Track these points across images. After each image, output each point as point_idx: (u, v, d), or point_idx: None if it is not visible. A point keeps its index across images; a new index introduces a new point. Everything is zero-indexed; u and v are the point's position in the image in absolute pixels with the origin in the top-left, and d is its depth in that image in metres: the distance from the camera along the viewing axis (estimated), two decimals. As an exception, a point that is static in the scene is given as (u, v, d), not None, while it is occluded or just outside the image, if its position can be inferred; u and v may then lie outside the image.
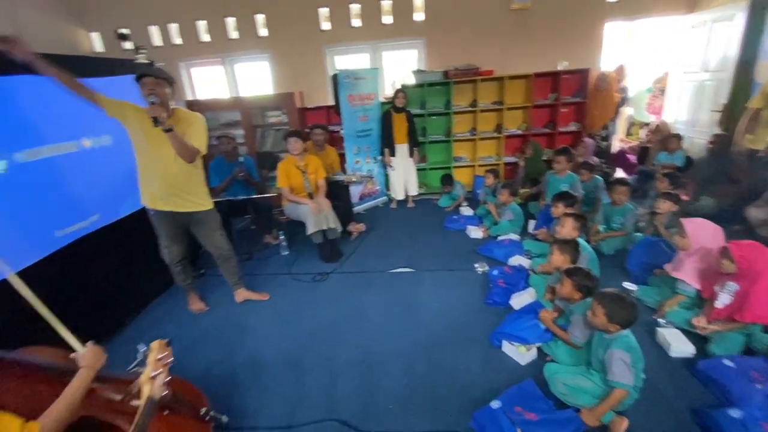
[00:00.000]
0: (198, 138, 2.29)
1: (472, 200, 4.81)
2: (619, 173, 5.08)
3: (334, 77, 4.42)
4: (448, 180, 4.88)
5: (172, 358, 1.14)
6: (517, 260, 3.15)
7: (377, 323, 2.56)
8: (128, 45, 5.24)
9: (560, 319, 2.23)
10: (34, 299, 1.27)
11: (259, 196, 3.84)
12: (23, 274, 1.25)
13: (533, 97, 4.93)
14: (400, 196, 4.85)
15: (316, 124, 4.19)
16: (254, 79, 5.62)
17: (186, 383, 1.62)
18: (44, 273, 2.13)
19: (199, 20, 5.20)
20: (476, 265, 3.15)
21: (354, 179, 4.39)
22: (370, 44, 5.19)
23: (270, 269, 3.47)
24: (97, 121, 2.39)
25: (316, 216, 3.32)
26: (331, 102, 4.95)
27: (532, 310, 2.36)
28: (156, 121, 2.03)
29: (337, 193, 3.88)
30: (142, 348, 1.15)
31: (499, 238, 3.62)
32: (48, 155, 2.25)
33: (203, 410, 1.52)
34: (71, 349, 1.28)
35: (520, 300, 2.60)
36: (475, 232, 3.81)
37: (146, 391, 1.03)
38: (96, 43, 5.43)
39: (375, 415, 1.85)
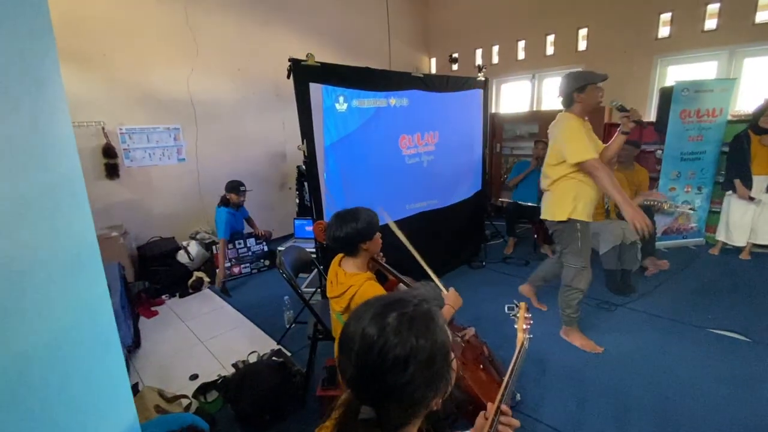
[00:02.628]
0: None
1: None
2: None
3: (665, 90, 3.82)
4: None
5: (533, 322, 1.33)
6: None
7: (688, 383, 2.09)
8: (455, 66, 6.34)
9: None
10: (410, 245, 1.76)
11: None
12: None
13: None
14: (739, 242, 3.68)
15: (628, 140, 3.76)
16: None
17: (491, 350, 1.86)
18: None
19: (520, 40, 5.65)
20: None
21: (665, 207, 3.68)
22: (727, 49, 4.15)
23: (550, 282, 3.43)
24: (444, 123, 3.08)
25: (615, 233, 3.00)
26: (651, 117, 4.32)
27: None
28: (640, 123, 2.20)
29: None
30: (515, 302, 1.39)
31: None
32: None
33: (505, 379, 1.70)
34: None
35: None
36: None
37: (521, 337, 1.25)
38: (433, 65, 6.85)
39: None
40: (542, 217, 2.39)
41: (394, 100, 2.84)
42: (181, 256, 3.86)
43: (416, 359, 0.64)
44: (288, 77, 2.22)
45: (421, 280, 1.76)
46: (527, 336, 1.25)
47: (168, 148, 4.03)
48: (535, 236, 4.04)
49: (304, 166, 3.00)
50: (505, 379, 1.05)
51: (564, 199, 2.22)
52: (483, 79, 3.71)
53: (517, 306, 1.35)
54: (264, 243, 4.07)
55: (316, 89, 2.33)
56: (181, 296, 3.57)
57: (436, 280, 1.69)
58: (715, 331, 2.55)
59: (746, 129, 3.46)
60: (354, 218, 1.51)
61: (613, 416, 1.88)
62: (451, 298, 1.60)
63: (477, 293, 3.24)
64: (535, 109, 5.73)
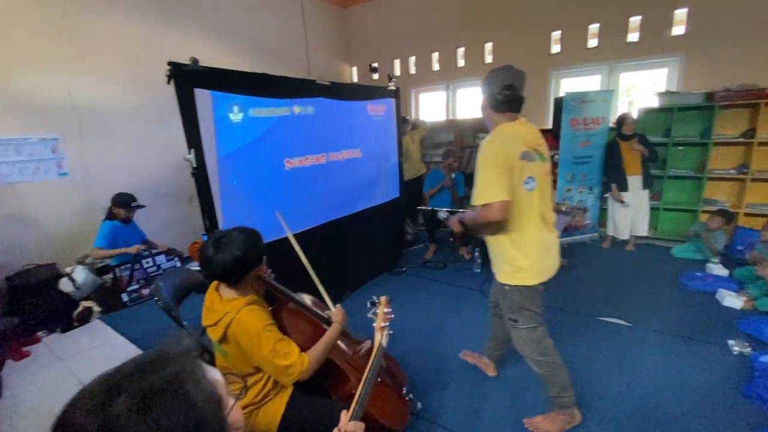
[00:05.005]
0: None
1: (728, 257, 3.67)
2: None
3: (558, 100, 4.20)
4: (727, 217, 3.74)
5: (393, 315, 1.30)
6: (808, 352, 2.21)
7: (578, 368, 2.25)
8: (375, 76, 6.43)
9: None
10: (305, 259, 1.69)
11: (458, 210, 4.03)
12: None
13: None
14: (623, 236, 4.15)
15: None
16: (471, 103, 5.94)
17: (394, 359, 1.83)
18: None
19: (434, 52, 5.88)
20: (731, 342, 2.38)
21: (563, 208, 4.02)
22: (607, 65, 4.70)
23: (461, 282, 3.56)
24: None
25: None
26: (548, 125, 4.72)
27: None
28: None
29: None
30: (374, 298, 1.35)
31: (776, 315, 2.64)
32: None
33: (405, 389, 1.68)
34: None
35: (811, 409, 1.82)
36: (732, 300, 2.88)
37: (378, 337, 1.21)
38: (354, 74, 6.88)
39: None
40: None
41: (299, 108, 2.75)
42: (65, 285, 3.36)
43: None
44: (168, 83, 2.02)
45: (317, 294, 1.68)
46: (386, 333, 1.22)
47: (44, 161, 3.50)
48: (451, 239, 4.18)
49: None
50: (359, 386, 1.01)
51: None
52: (394, 88, 3.77)
53: (377, 302, 1.32)
54: (176, 259, 3.71)
55: (203, 96, 2.15)
56: (63, 331, 3.10)
57: (325, 296, 1.64)
58: (602, 318, 2.81)
59: (615, 137, 3.94)
60: (232, 244, 1.32)
61: (513, 415, 1.95)
62: (338, 315, 1.55)
63: (396, 300, 3.23)
64: (451, 117, 6.00)
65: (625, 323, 2.74)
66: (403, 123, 4.76)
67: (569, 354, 2.40)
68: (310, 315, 1.63)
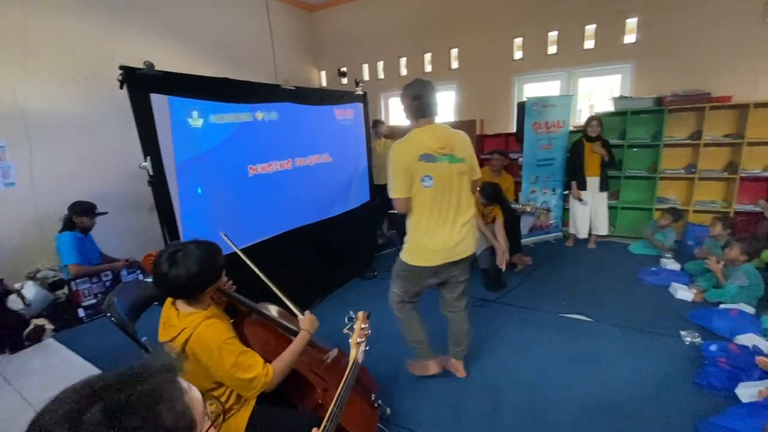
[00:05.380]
0: None
1: (680, 252, 3.90)
2: None
3: (521, 105, 4.34)
4: (676, 214, 3.97)
5: (370, 331, 1.30)
6: (749, 339, 2.38)
7: (545, 365, 2.33)
8: (344, 80, 6.42)
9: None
10: (262, 274, 1.65)
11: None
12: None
13: (797, 130, 3.71)
14: (583, 234, 4.33)
15: (497, 150, 4.19)
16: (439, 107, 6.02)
17: (363, 367, 1.82)
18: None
19: (402, 57, 5.94)
20: (683, 333, 2.52)
21: (528, 209, 4.16)
22: (566, 71, 4.90)
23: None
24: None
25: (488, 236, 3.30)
26: (512, 129, 4.87)
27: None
28: None
29: (507, 221, 3.75)
30: (351, 314, 1.34)
31: (723, 306, 2.81)
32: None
33: (374, 396, 1.67)
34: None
35: (751, 392, 1.95)
36: (684, 293, 3.06)
37: (353, 353, 1.20)
38: (323, 78, 6.84)
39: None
40: (471, 252, 2.03)
41: (262, 113, 2.70)
42: (13, 302, 3.13)
43: None
44: (121, 87, 1.94)
45: (280, 304, 1.65)
46: (362, 349, 1.22)
47: (-13, 171, 3.27)
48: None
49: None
50: (332, 403, 1.01)
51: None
52: (361, 93, 3.77)
53: (354, 317, 1.32)
54: (138, 271, 3.54)
55: (160, 101, 2.08)
56: (12, 351, 2.89)
57: (290, 304, 1.60)
58: (565, 315, 2.91)
59: (581, 137, 4.11)
60: (188, 259, 1.25)
61: (487, 414, 1.99)
62: (306, 322, 1.52)
63: (368, 305, 3.22)
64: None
65: (587, 319, 2.85)
66: (375, 126, 4.78)
67: (536, 351, 2.48)
68: (275, 325, 1.59)
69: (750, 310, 2.75)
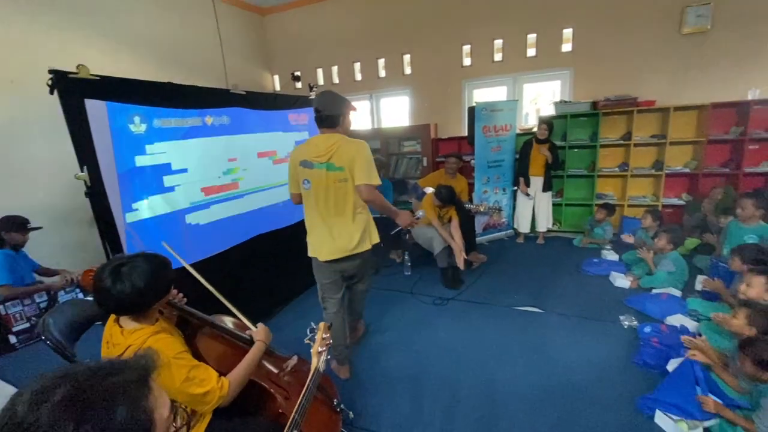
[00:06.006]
0: None
1: (617, 244, 4.24)
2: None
3: (471, 109, 4.52)
4: (609, 209, 4.33)
5: (331, 341, 1.31)
6: (677, 320, 2.64)
7: (500, 358, 2.44)
8: (299, 84, 6.36)
9: (742, 398, 1.78)
10: (210, 286, 1.61)
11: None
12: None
13: (708, 130, 4.17)
14: (525, 229, 4.60)
15: (452, 153, 4.32)
16: (394, 112, 6.14)
17: (324, 374, 1.81)
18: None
19: (356, 62, 5.98)
20: (622, 318, 2.74)
21: (481, 209, 4.34)
22: (512, 77, 5.17)
23: (392, 286, 3.64)
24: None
25: (444, 236, 3.41)
26: (464, 133, 5.06)
27: (703, 380, 1.93)
28: None
29: (462, 221, 3.89)
30: (313, 325, 1.35)
31: (654, 291, 3.10)
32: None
33: (336, 401, 1.67)
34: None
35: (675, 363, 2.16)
36: (621, 281, 3.33)
37: (315, 362, 1.20)
38: (277, 83, 6.72)
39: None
40: (360, 251, 2.13)
41: (211, 118, 2.61)
42: (-73, 333, 2.80)
43: None
44: (51, 93, 1.80)
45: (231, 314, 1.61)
46: (323, 358, 1.23)
47: None
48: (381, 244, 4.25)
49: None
50: (293, 411, 1.01)
51: (369, 227, 2.20)
52: (314, 97, 3.75)
53: (316, 328, 1.32)
54: (77, 290, 3.27)
55: (96, 107, 1.95)
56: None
57: (241, 316, 1.57)
58: (517, 308, 3.06)
59: (530, 139, 4.37)
60: (134, 273, 1.19)
61: (446, 407, 2.04)
62: (261, 333, 1.50)
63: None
64: (376, 126, 6.14)
65: (537, 310, 3.02)
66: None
67: (492, 344, 2.59)
68: (229, 337, 1.55)
69: (677, 293, 3.04)
